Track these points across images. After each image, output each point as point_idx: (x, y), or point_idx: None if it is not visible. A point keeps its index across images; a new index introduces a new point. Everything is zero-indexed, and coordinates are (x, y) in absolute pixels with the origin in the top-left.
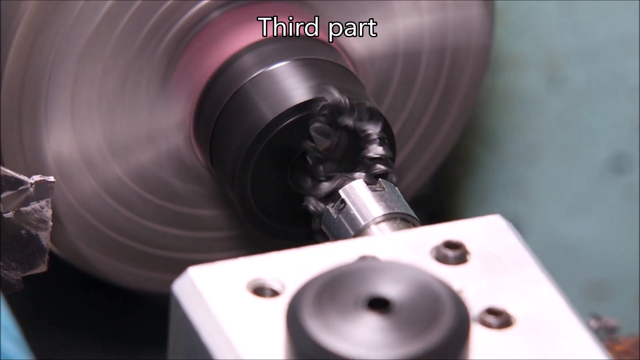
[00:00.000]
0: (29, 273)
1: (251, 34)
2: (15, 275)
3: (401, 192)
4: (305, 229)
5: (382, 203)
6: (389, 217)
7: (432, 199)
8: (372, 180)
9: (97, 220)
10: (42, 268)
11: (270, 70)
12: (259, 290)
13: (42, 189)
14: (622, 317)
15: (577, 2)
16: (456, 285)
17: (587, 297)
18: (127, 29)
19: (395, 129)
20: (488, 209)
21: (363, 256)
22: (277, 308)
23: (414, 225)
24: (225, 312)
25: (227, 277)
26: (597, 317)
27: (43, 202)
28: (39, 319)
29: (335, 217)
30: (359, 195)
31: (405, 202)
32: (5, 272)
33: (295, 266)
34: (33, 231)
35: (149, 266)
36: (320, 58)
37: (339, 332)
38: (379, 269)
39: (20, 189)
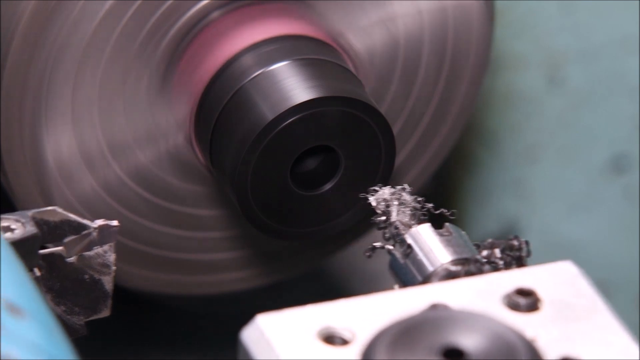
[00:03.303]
0: (91, 318)
1: (251, 34)
2: (78, 320)
3: None
4: (305, 229)
5: (450, 248)
6: (457, 263)
7: (432, 199)
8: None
9: None
10: (106, 313)
11: (270, 70)
12: (329, 339)
13: (105, 234)
14: (622, 317)
15: (577, 2)
16: (528, 334)
17: None
18: (127, 29)
19: (395, 129)
20: (488, 209)
21: (434, 304)
22: (348, 357)
23: (483, 271)
24: None
25: (296, 324)
26: None
27: (106, 247)
28: None
29: (402, 262)
30: (426, 240)
31: (473, 247)
32: (68, 317)
33: (365, 314)
34: (96, 276)
35: (149, 266)
36: (320, 58)
37: None
38: (452, 319)
39: (83, 233)
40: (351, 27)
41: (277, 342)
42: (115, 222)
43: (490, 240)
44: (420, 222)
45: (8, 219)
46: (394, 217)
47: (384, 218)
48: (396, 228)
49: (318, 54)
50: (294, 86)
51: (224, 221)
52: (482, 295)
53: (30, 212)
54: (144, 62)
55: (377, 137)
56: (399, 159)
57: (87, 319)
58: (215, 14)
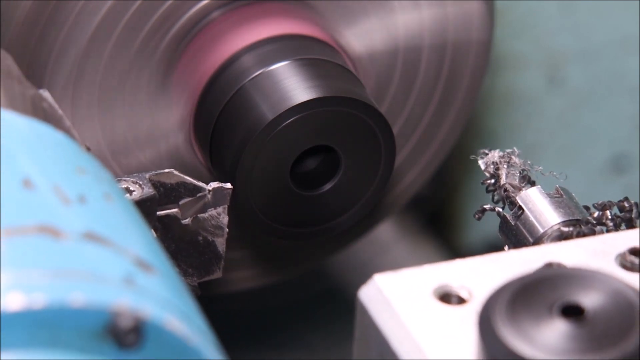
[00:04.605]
0: (204, 279)
1: (251, 33)
2: (191, 282)
3: (401, 193)
4: (305, 229)
5: (561, 210)
6: (569, 224)
7: (432, 199)
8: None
9: None
10: (218, 274)
11: (270, 70)
12: (446, 297)
13: (219, 196)
14: None
15: (577, 2)
16: None
17: None
18: (127, 28)
19: (395, 129)
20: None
21: (549, 263)
22: (464, 315)
23: (594, 232)
24: (413, 318)
25: (413, 284)
26: None
27: (220, 209)
28: None
29: (513, 223)
30: (536, 202)
31: (583, 209)
32: (182, 278)
33: (481, 273)
34: (209, 237)
35: None
36: (320, 58)
37: (533, 339)
38: (570, 276)
39: (198, 195)
40: (351, 27)
41: (395, 301)
42: (229, 185)
43: (601, 201)
44: (529, 184)
45: (126, 180)
46: (503, 179)
47: (492, 181)
48: (506, 191)
49: (318, 54)
50: (294, 86)
51: None
52: (596, 255)
53: (147, 174)
54: (144, 62)
55: (377, 137)
56: (399, 159)
57: (200, 280)
58: (215, 14)
